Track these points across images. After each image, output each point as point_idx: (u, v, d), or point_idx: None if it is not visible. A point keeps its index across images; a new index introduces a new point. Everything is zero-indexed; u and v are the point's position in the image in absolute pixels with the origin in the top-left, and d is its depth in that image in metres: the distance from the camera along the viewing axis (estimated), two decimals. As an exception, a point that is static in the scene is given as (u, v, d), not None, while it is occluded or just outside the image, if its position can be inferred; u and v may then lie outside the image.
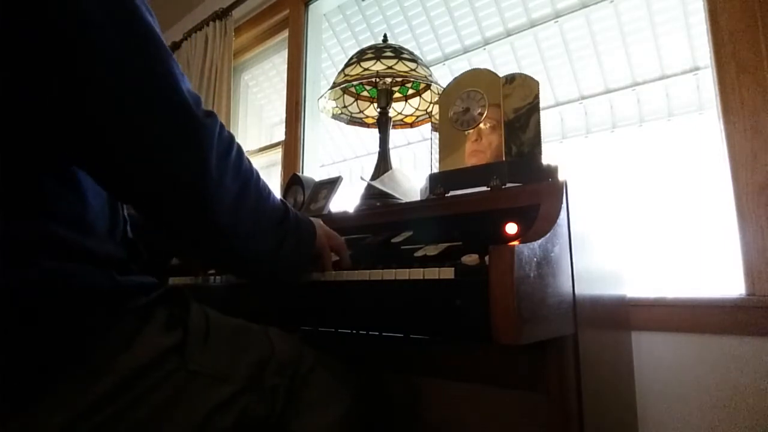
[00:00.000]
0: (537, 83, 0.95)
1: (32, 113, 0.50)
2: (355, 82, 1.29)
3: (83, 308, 0.53)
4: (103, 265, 0.56)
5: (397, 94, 1.42)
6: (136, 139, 0.52)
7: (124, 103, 0.51)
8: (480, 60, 2.08)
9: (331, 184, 1.23)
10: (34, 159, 0.52)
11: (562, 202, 0.72)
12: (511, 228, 0.73)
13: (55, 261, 0.51)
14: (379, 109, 1.30)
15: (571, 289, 0.71)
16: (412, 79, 1.28)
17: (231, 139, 0.61)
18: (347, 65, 1.27)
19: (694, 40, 1.66)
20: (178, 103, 0.54)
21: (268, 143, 2.36)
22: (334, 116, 1.45)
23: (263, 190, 0.66)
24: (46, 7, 0.48)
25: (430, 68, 1.30)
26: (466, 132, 1.02)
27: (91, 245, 0.55)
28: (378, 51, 1.25)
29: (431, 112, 1.39)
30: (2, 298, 0.48)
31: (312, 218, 0.78)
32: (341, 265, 0.83)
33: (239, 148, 0.63)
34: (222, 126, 0.60)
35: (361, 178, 1.22)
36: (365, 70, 1.21)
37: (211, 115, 0.58)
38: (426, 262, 0.74)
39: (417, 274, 0.66)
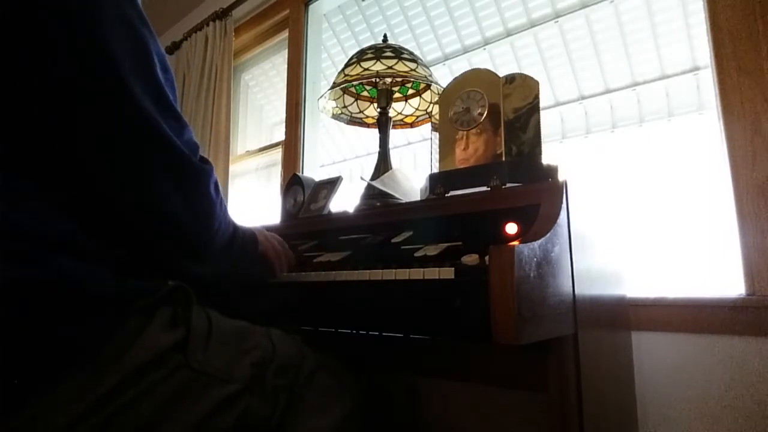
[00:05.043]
0: (537, 83, 0.95)
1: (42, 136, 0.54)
2: (355, 82, 1.29)
3: (90, 306, 0.54)
4: (110, 264, 0.57)
5: (397, 94, 1.42)
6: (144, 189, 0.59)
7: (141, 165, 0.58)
8: (480, 60, 2.08)
9: (331, 184, 1.23)
10: (49, 163, 0.54)
11: (562, 202, 0.72)
12: (511, 228, 0.73)
13: (73, 260, 0.53)
14: (379, 109, 1.30)
15: (571, 289, 0.71)
16: (412, 79, 1.28)
17: (217, 183, 0.69)
18: (347, 65, 1.27)
19: (694, 40, 1.66)
20: (178, 157, 0.61)
21: (268, 143, 2.36)
22: (334, 116, 1.45)
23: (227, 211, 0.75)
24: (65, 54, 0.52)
25: (430, 68, 1.30)
26: (464, 132, 1.02)
27: (100, 245, 0.56)
28: (378, 51, 1.25)
29: (431, 112, 1.38)
30: (16, 293, 0.49)
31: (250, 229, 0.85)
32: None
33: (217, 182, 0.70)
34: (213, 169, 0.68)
35: (361, 178, 1.22)
36: (365, 70, 1.21)
37: (207, 162, 0.67)
38: (426, 262, 0.74)
39: (417, 274, 0.66)
